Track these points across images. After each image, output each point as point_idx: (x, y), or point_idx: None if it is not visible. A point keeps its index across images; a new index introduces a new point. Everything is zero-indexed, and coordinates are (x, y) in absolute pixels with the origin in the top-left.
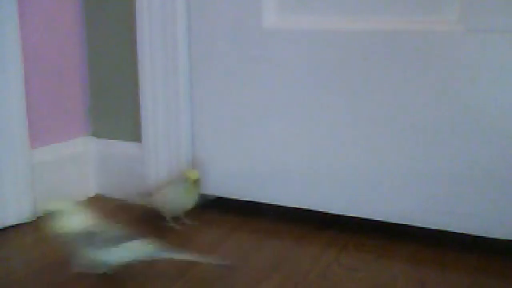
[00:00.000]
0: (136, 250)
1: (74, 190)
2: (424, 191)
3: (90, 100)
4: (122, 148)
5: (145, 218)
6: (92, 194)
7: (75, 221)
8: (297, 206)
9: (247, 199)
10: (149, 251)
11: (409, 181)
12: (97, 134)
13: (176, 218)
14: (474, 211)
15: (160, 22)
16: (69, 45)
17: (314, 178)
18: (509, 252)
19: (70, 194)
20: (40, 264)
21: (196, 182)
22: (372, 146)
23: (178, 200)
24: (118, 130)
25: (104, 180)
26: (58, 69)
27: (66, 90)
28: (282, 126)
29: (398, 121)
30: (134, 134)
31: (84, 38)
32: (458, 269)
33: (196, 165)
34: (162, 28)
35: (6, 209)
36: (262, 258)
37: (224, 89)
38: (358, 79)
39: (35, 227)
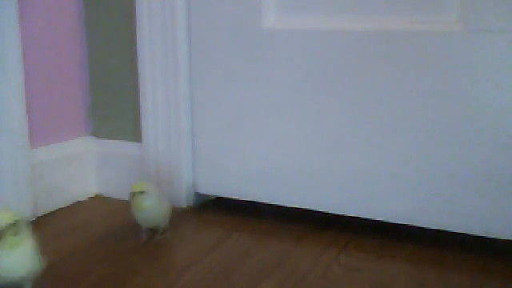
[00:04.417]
0: None
1: (74, 190)
2: (424, 191)
3: (89, 100)
4: (122, 148)
5: None
6: (92, 194)
7: None
8: (297, 206)
9: (247, 199)
10: None
11: (409, 181)
12: (97, 134)
13: (154, 230)
14: (474, 211)
15: (160, 22)
16: (69, 45)
17: (314, 178)
18: (509, 252)
19: (70, 194)
20: None
21: (138, 196)
22: (372, 145)
23: (135, 213)
24: (118, 130)
25: (104, 180)
26: (58, 69)
27: (65, 90)
28: (281, 125)
29: (397, 120)
30: (134, 134)
31: (84, 38)
32: (458, 269)
33: (196, 165)
34: (162, 28)
35: None
36: (261, 258)
37: (224, 89)
38: (358, 79)
39: (35, 227)
